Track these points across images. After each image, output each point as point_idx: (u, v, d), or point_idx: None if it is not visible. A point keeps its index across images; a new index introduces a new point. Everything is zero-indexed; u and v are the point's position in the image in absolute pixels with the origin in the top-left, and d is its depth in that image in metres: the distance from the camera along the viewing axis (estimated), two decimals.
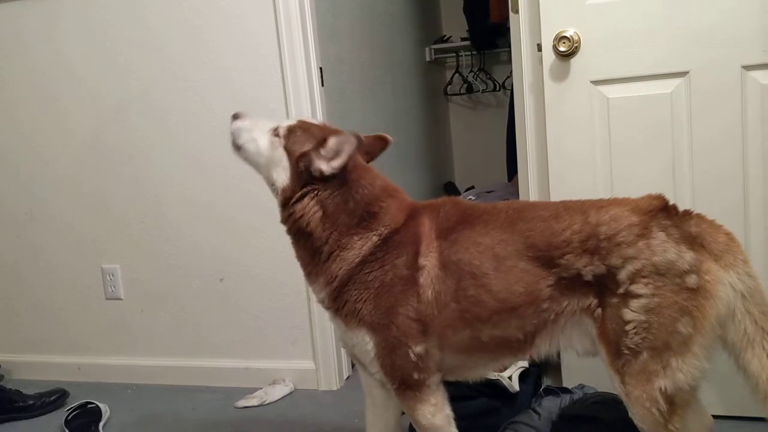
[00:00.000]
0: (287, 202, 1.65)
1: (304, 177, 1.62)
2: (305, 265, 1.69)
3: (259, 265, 2.81)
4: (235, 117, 1.73)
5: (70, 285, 3.10)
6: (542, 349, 1.62)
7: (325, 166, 1.59)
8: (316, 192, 1.63)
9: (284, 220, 1.69)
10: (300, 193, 1.63)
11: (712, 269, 1.47)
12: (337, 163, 1.59)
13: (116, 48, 2.85)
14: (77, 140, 2.98)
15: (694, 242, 1.48)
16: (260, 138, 1.68)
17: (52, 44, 2.94)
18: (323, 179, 1.61)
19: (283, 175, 1.64)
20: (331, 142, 1.60)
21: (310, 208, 1.63)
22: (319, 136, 1.63)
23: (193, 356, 2.97)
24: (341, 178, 1.62)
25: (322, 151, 1.60)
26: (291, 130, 1.66)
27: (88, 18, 2.86)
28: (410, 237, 1.61)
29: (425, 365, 1.61)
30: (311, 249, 1.65)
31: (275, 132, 1.67)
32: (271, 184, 1.68)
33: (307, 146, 1.62)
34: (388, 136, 1.81)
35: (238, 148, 1.72)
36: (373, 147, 1.77)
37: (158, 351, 3.02)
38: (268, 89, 2.67)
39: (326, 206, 1.62)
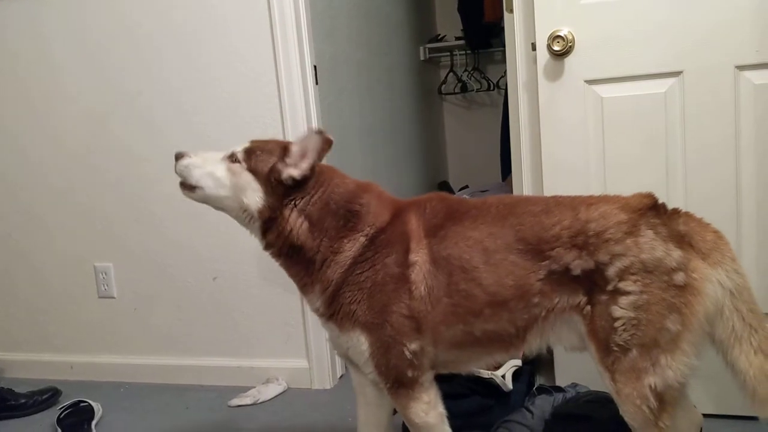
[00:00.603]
0: (267, 225, 1.65)
1: (279, 191, 1.63)
2: (300, 279, 1.69)
3: (251, 263, 2.80)
4: (179, 156, 1.70)
5: (63, 283, 3.09)
6: (534, 344, 1.63)
7: (294, 170, 1.61)
8: (294, 203, 1.63)
9: (270, 244, 1.67)
10: (279, 210, 1.63)
11: (700, 267, 1.48)
12: (306, 164, 1.61)
13: (104, 47, 2.85)
14: (68, 140, 2.97)
15: (682, 240, 1.50)
16: (216, 170, 1.66)
17: (38, 44, 2.93)
18: (296, 186, 1.62)
19: (255, 197, 1.63)
20: (294, 147, 1.63)
21: (294, 220, 1.63)
22: (278, 147, 1.65)
23: (186, 355, 2.96)
24: (313, 180, 1.63)
25: (288, 159, 1.62)
26: (249, 152, 1.65)
27: (74, 18, 2.86)
28: (398, 235, 1.62)
29: (419, 362, 1.61)
30: (305, 261, 1.65)
31: (231, 158, 1.66)
32: (243, 211, 1.66)
33: (272, 161, 1.63)
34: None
35: (191, 188, 1.69)
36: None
37: (151, 350, 3.01)
38: (262, 88, 2.67)
39: (310, 214, 1.63)
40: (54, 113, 2.97)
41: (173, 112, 2.81)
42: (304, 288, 1.70)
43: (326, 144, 1.60)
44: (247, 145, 1.68)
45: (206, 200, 1.70)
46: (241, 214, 1.67)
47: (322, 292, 1.65)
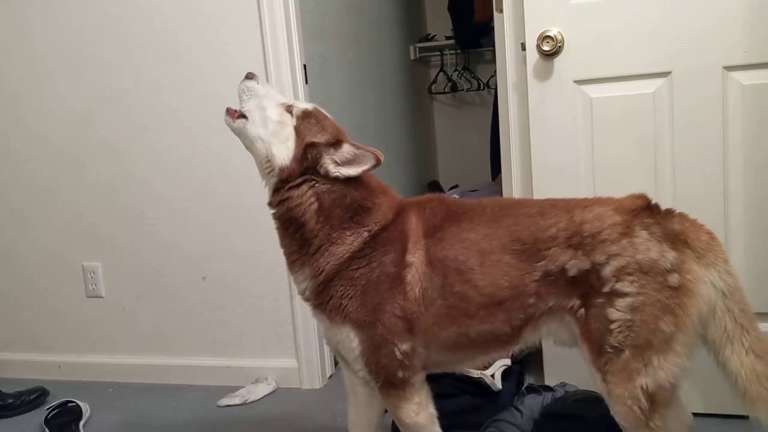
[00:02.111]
0: (282, 185, 1.62)
1: (306, 165, 1.60)
2: (290, 254, 1.67)
3: (241, 263, 2.80)
4: (251, 76, 1.68)
5: (51, 283, 3.07)
6: (528, 340, 1.65)
7: (333, 167, 1.60)
8: (314, 183, 1.61)
9: (274, 204, 1.65)
10: (299, 180, 1.61)
11: (694, 268, 1.49)
12: (347, 172, 1.60)
13: (90, 45, 2.83)
14: (54, 138, 2.95)
15: (677, 240, 1.50)
16: (269, 108, 1.64)
17: (23, 42, 2.91)
18: (325, 175, 1.61)
19: (284, 154, 1.60)
20: (346, 148, 1.61)
21: (307, 198, 1.61)
22: (333, 133, 1.63)
23: (175, 354, 2.95)
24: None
25: (336, 154, 1.60)
26: (307, 114, 1.64)
27: (60, 15, 2.84)
28: (397, 234, 1.61)
29: (411, 363, 1.61)
30: (300, 239, 1.63)
31: (288, 108, 1.64)
32: (267, 161, 1.63)
33: (319, 137, 1.61)
34: None
35: (238, 115, 1.65)
36: None
37: (140, 349, 3.00)
38: None
39: (323, 200, 1.61)
40: (40, 111, 2.95)
41: (161, 110, 2.79)
42: (293, 264, 1.68)
43: (376, 167, 1.60)
44: (307, 105, 1.67)
45: (243, 133, 1.65)
46: (264, 162, 1.64)
47: (312, 278, 1.64)
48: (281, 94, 1.70)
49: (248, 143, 1.67)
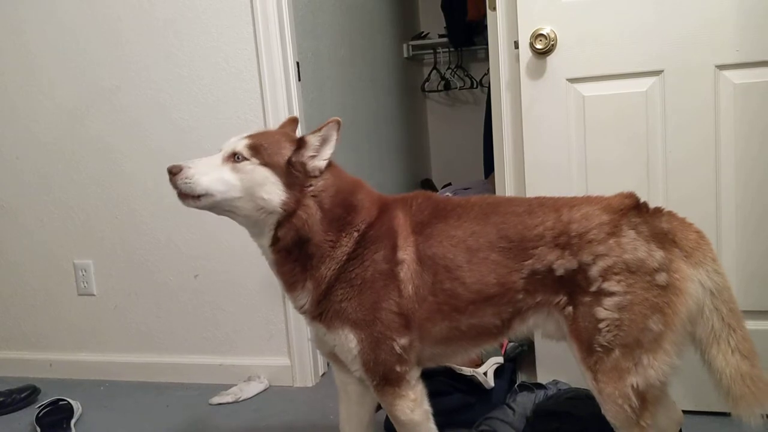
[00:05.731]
0: (284, 218, 1.58)
1: (299, 182, 1.58)
2: (292, 276, 1.63)
3: (233, 261, 2.79)
4: (177, 170, 1.55)
5: (42, 280, 3.06)
6: (518, 332, 1.66)
7: (317, 161, 1.59)
8: (310, 190, 1.59)
9: (279, 239, 1.60)
10: (300, 201, 1.58)
11: (682, 267, 1.49)
12: (327, 152, 1.60)
13: (82, 42, 2.82)
14: (45, 136, 2.94)
15: (664, 239, 1.51)
16: (223, 173, 1.56)
17: (14, 38, 2.90)
18: (313, 175, 1.60)
19: (276, 190, 1.56)
20: (311, 139, 1.60)
21: (311, 209, 1.58)
22: (287, 139, 1.63)
23: (167, 353, 2.94)
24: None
25: (308, 150, 1.59)
26: (255, 147, 1.57)
27: (51, 11, 2.83)
28: (386, 231, 1.61)
29: (408, 357, 1.61)
30: (303, 257, 1.61)
31: (234, 158, 1.56)
32: (259, 209, 1.57)
33: (285, 152, 1.59)
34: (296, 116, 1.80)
35: (197, 197, 1.56)
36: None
37: (131, 347, 2.99)
38: (244, 84, 2.66)
39: (323, 202, 1.59)
40: (31, 108, 2.94)
41: (152, 108, 2.79)
42: (293, 285, 1.64)
43: (340, 128, 1.59)
44: (245, 141, 1.60)
45: (214, 206, 1.59)
46: (255, 213, 1.58)
47: (314, 290, 1.62)
48: (216, 150, 1.63)
49: (224, 209, 1.60)
